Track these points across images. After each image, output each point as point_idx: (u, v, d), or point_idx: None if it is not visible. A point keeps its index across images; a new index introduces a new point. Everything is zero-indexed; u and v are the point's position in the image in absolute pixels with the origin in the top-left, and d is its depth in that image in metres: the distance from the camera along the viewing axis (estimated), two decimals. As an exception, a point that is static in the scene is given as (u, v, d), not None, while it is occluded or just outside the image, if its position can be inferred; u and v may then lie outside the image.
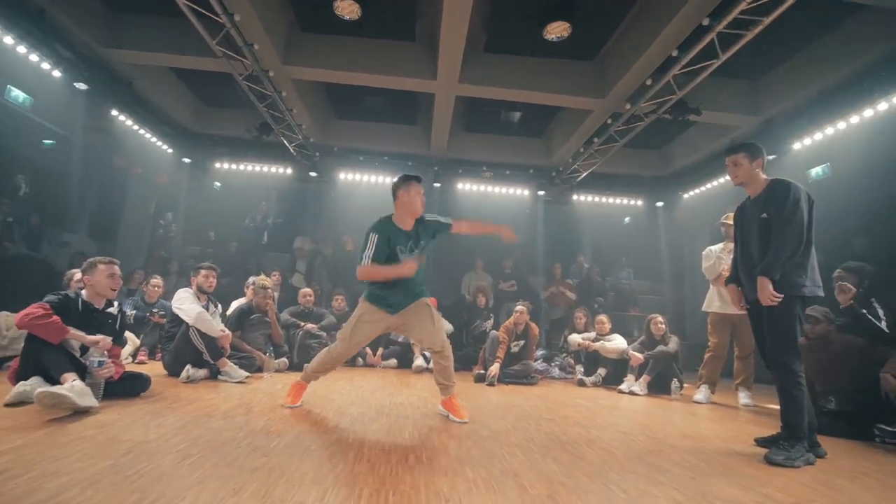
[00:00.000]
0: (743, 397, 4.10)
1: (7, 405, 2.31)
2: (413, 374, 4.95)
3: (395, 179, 2.82)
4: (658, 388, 4.51)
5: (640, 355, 4.66)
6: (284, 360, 4.53)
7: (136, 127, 6.49)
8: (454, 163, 7.86)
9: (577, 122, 6.34)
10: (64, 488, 1.39)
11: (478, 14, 4.64)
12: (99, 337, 2.66)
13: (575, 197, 8.46)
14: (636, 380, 4.59)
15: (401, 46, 5.37)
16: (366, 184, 7.92)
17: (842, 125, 5.13)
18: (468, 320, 6.07)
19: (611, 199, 8.54)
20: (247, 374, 3.71)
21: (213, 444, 1.92)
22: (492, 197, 8.31)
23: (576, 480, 1.75)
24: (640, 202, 8.58)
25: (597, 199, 8.53)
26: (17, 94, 5.26)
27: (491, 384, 4.44)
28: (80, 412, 2.26)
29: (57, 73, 4.93)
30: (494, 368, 4.58)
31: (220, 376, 3.61)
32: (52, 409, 2.21)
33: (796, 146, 5.69)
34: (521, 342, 4.98)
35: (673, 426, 2.99)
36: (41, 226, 6.39)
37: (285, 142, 6.83)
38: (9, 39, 4.38)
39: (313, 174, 7.81)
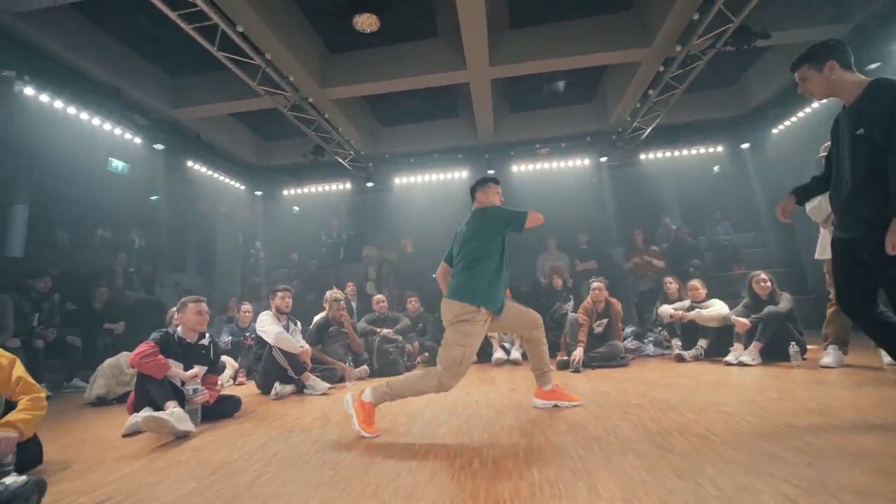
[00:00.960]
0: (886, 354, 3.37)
1: (124, 436, 2.64)
2: (493, 367, 4.84)
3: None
4: (774, 355, 3.87)
5: (745, 320, 4.05)
6: (365, 367, 4.68)
7: (209, 172, 7.24)
8: (505, 146, 7.60)
9: (628, 78, 5.78)
10: (153, 513, 1.51)
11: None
12: (192, 372, 2.97)
13: (643, 156, 7.71)
14: (745, 348, 4.02)
15: (425, 45, 5.33)
16: (420, 184, 7.98)
17: None
18: (547, 305, 5.83)
19: (685, 151, 7.65)
20: (329, 385, 3.88)
21: (287, 461, 2.00)
22: (551, 173, 7.88)
23: (659, 477, 1.52)
24: (720, 148, 7.58)
25: (668, 153, 7.69)
26: (117, 164, 6.10)
27: (576, 370, 4.15)
28: (181, 436, 2.51)
29: (138, 140, 5.69)
30: (578, 353, 4.29)
31: (305, 390, 3.82)
32: (158, 434, 2.50)
33: (903, 46, 4.64)
34: (604, 321, 4.63)
35: (792, 400, 2.52)
36: (154, 271, 7.36)
37: (339, 159, 7.12)
38: (96, 120, 5.13)
39: (370, 184, 8.05)
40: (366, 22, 4.57)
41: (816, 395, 2.59)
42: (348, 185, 8.40)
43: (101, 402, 3.81)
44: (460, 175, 7.90)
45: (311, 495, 1.58)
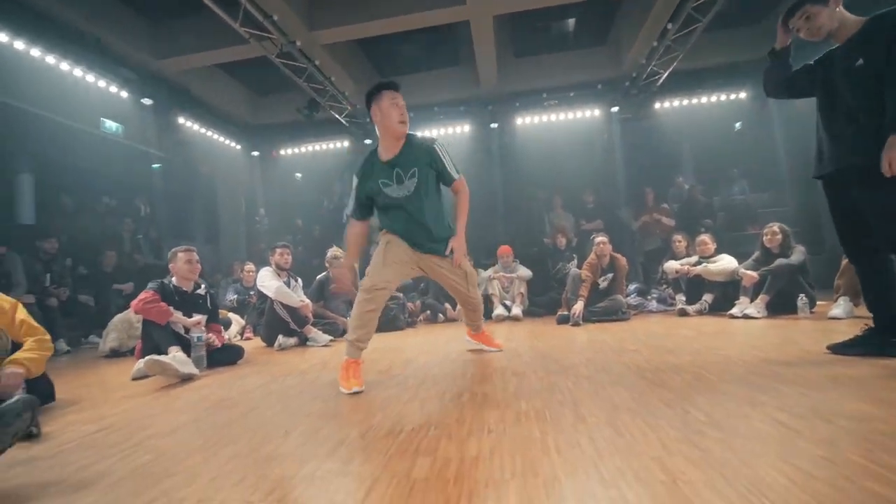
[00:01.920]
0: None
1: (133, 379, 2.73)
2: (494, 322, 4.85)
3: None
4: (782, 308, 3.76)
5: (753, 273, 3.93)
6: (367, 321, 4.73)
7: (203, 130, 7.04)
8: (510, 96, 7.24)
9: (646, 11, 5.34)
10: (148, 437, 1.57)
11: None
12: (195, 319, 3.04)
13: (657, 106, 7.20)
14: (751, 302, 3.93)
15: (422, -22, 4.97)
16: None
17: None
18: (550, 264, 5.78)
19: (704, 99, 7.08)
20: (331, 337, 3.95)
21: (281, 396, 2.03)
22: (558, 126, 7.47)
23: (646, 406, 1.50)
24: (742, 95, 6.97)
25: (686, 101, 7.13)
26: (111, 125, 5.97)
27: (576, 324, 4.10)
28: (186, 380, 2.58)
29: (125, 94, 5.51)
30: (578, 306, 4.23)
31: (308, 342, 3.88)
32: (163, 377, 2.57)
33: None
34: (609, 276, 4.55)
35: (793, 344, 2.47)
36: (160, 238, 7.43)
37: (335, 114, 6.90)
38: (78, 71, 4.95)
39: (368, 142, 7.86)
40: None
41: (819, 341, 2.51)
42: (346, 144, 8.20)
43: (115, 353, 4.00)
44: (462, 129, 7.61)
45: (299, 422, 1.60)
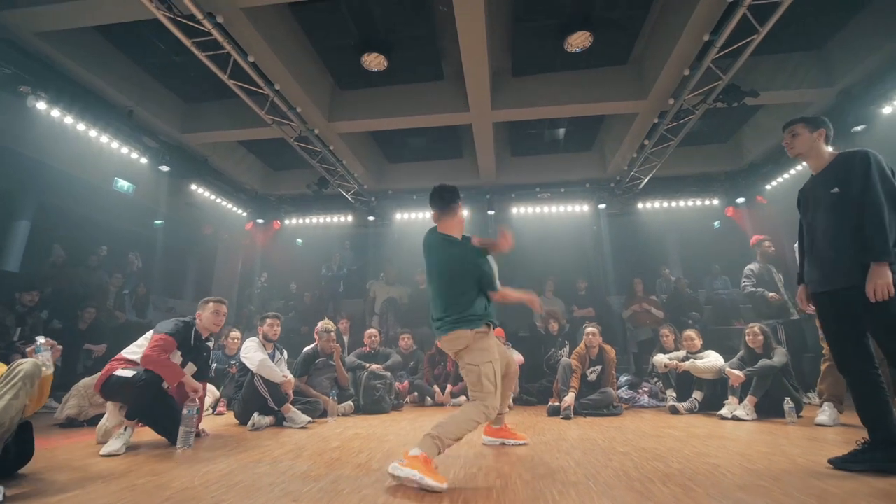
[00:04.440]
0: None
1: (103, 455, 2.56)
2: (482, 410, 4.67)
3: (448, 191, 2.52)
4: (770, 411, 3.81)
5: (739, 373, 3.99)
6: (350, 403, 4.54)
7: (213, 197, 7.34)
8: (506, 188, 7.75)
9: (625, 128, 6.01)
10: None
11: (497, 41, 4.70)
12: (198, 389, 2.94)
13: (640, 205, 7.82)
14: (739, 402, 3.92)
15: (431, 87, 5.56)
16: (422, 220, 8.08)
17: None
18: (542, 350, 5.73)
19: (682, 203, 7.76)
20: (309, 419, 3.75)
21: (248, 490, 1.91)
22: (550, 217, 7.97)
23: (634, 525, 1.44)
24: (715, 201, 7.71)
25: (665, 204, 7.80)
26: (123, 184, 6.26)
27: (567, 417, 4.03)
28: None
29: (144, 160, 5.82)
30: (569, 399, 4.18)
31: (284, 422, 3.69)
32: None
33: (886, 110, 4.84)
34: (598, 368, 4.53)
35: (781, 455, 2.42)
36: (147, 294, 7.33)
37: (342, 192, 7.26)
38: (104, 138, 5.26)
39: (371, 218, 8.14)
40: (374, 62, 4.83)
41: (807, 451, 2.49)
42: (350, 219, 8.51)
43: (71, 423, 3.61)
44: (462, 214, 7.99)
45: (266, 525, 1.50)
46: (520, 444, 2.82)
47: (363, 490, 1.88)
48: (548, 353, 5.62)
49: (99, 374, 2.96)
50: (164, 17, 3.73)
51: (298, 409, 3.81)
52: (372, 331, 5.53)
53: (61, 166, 5.78)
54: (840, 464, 2.10)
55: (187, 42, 3.99)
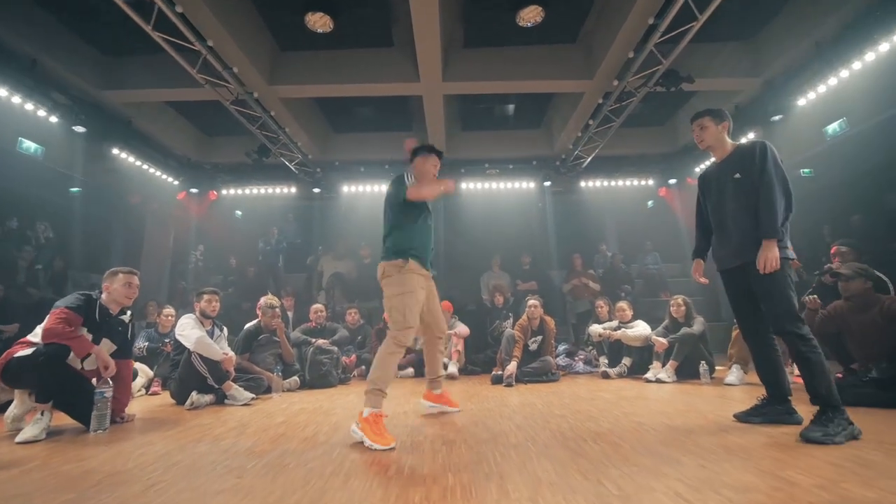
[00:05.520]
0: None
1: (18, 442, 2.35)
2: (429, 381, 4.80)
3: (416, 145, 2.82)
4: (688, 373, 4.24)
5: (663, 340, 4.40)
6: (295, 378, 4.46)
7: (139, 163, 6.70)
8: (456, 163, 7.75)
9: (572, 107, 6.17)
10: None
11: (449, 10, 4.58)
12: (111, 366, 2.70)
13: (583, 184, 8.18)
14: (662, 366, 4.32)
15: (380, 53, 5.35)
16: (369, 194, 7.92)
17: (845, 73, 4.74)
18: (488, 322, 5.92)
19: (621, 182, 8.22)
20: (253, 395, 3.66)
21: (187, 469, 1.84)
22: (498, 193, 8.12)
23: (567, 479, 1.57)
24: (651, 181, 8.23)
25: (606, 183, 8.22)
26: (29, 145, 5.52)
27: (509, 385, 4.25)
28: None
29: (54, 119, 5.14)
30: (511, 367, 4.39)
31: (226, 400, 3.57)
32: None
33: (801, 102, 5.32)
34: (539, 338, 4.77)
35: (696, 412, 2.73)
36: (65, 269, 6.65)
37: (285, 161, 6.90)
38: (2, 91, 4.59)
39: (317, 190, 7.85)
40: (318, 21, 4.54)
41: (716, 408, 2.82)
42: (293, 190, 8.14)
43: None
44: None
45: (208, 502, 1.47)
46: (455, 412, 2.95)
47: (310, 463, 1.89)
48: (493, 326, 5.82)
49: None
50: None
51: (241, 386, 3.70)
52: (318, 306, 5.43)
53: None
54: (743, 417, 2.42)
55: (102, -18, 3.50)
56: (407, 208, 2.57)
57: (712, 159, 2.63)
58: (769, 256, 2.16)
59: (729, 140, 2.52)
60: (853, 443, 1.94)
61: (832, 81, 4.89)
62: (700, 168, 7.39)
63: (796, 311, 2.17)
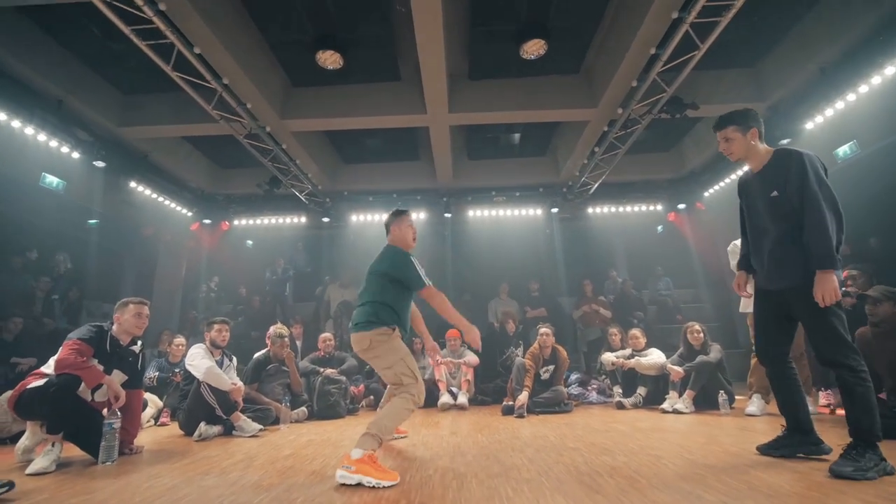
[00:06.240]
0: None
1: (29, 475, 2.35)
2: (439, 411, 4.72)
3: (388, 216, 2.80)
4: (706, 403, 4.10)
5: (679, 369, 4.26)
6: (303, 409, 4.41)
7: (154, 195, 6.89)
8: (463, 191, 7.85)
9: (577, 135, 6.26)
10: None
11: (454, 44, 4.74)
12: (121, 397, 2.72)
13: (591, 210, 8.21)
14: (679, 396, 4.19)
15: (388, 87, 5.53)
16: (378, 223, 8.01)
17: (851, 97, 4.77)
18: (498, 349, 5.83)
19: (629, 208, 8.22)
20: (261, 427, 3.62)
21: (194, 504, 1.81)
22: (505, 220, 8.17)
23: (583, 517, 1.51)
24: (659, 207, 8.22)
25: (614, 209, 8.23)
26: (52, 180, 5.71)
27: (520, 416, 4.12)
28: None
29: (76, 155, 5.37)
30: (522, 397, 4.28)
31: (234, 431, 3.53)
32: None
33: (808, 126, 5.34)
34: (551, 367, 4.68)
35: (716, 444, 2.63)
36: (80, 299, 6.76)
37: (295, 192, 7.05)
38: (30, 130, 4.81)
39: (326, 220, 7.97)
40: (329, 59, 4.73)
41: (738, 441, 2.71)
42: (303, 220, 8.28)
43: None
44: (418, 217, 8.01)
45: (213, 541, 1.44)
46: (401, 438, 3.04)
47: (317, 498, 1.84)
48: (504, 355, 5.72)
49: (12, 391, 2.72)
50: (97, 0, 3.43)
51: (249, 416, 3.67)
52: (326, 335, 5.42)
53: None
54: (765, 450, 2.30)
55: (126, 29, 3.69)
56: (406, 290, 2.53)
57: (746, 168, 2.40)
58: (828, 289, 1.95)
59: (762, 146, 2.27)
60: (886, 478, 1.84)
61: (839, 105, 4.90)
62: (712, 191, 7.36)
63: (846, 339, 2.00)
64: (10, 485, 1.92)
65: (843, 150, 5.41)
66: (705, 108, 5.26)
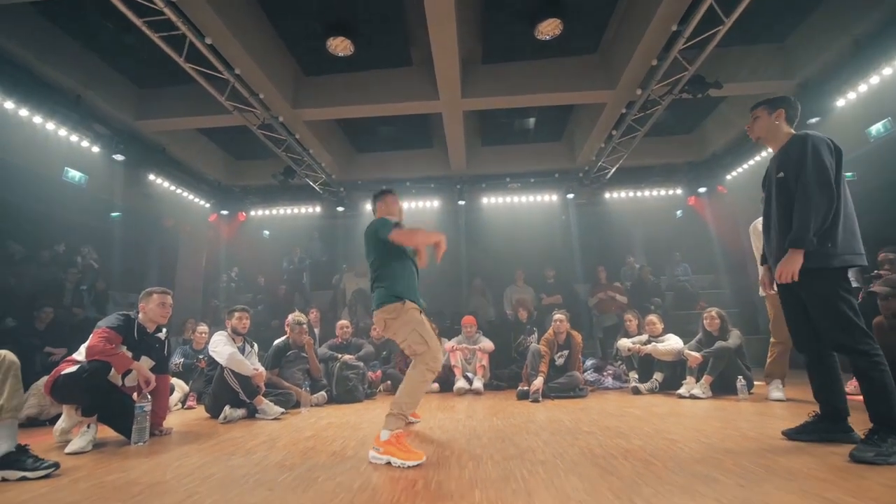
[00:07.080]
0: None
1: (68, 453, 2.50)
2: (455, 396, 4.78)
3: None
4: (724, 389, 4.03)
5: (697, 354, 4.21)
6: (323, 393, 4.52)
7: (173, 188, 7.05)
8: (477, 178, 7.81)
9: (594, 118, 6.11)
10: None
11: (467, 27, 4.65)
12: (151, 381, 2.86)
13: (607, 195, 8.05)
14: (696, 382, 4.15)
15: (400, 73, 5.47)
16: (392, 211, 8.04)
17: (888, 71, 4.54)
18: (512, 336, 5.86)
19: (647, 193, 8.03)
20: (283, 410, 3.74)
21: (221, 482, 1.90)
22: (519, 207, 8.11)
23: (597, 498, 1.53)
24: (679, 191, 8.02)
25: (631, 194, 8.06)
26: (74, 174, 5.89)
27: (535, 400, 4.15)
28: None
29: (96, 149, 5.51)
30: (538, 382, 4.30)
31: (257, 414, 3.66)
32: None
33: (840, 103, 5.11)
34: (565, 352, 4.68)
35: (733, 429, 2.61)
36: (107, 289, 7.00)
37: (310, 182, 7.11)
38: (51, 125, 4.95)
39: (340, 209, 8.04)
40: (339, 46, 4.70)
41: (756, 425, 2.69)
42: (318, 209, 8.37)
43: (32, 422, 3.52)
44: (432, 204, 8.02)
45: (241, 515, 1.51)
46: (414, 422, 3.10)
47: (338, 477, 1.91)
48: (517, 340, 5.75)
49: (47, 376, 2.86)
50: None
51: (271, 401, 3.78)
52: (343, 322, 5.52)
53: (6, 157, 5.39)
54: (793, 434, 2.26)
55: (137, 22, 3.71)
56: (393, 250, 2.48)
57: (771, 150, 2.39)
58: (787, 269, 2.02)
59: (787, 129, 2.28)
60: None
61: (874, 80, 4.68)
62: (735, 174, 7.13)
63: (854, 323, 1.97)
64: (56, 465, 2.06)
65: (877, 127, 5.17)
66: (729, 87, 5.06)
